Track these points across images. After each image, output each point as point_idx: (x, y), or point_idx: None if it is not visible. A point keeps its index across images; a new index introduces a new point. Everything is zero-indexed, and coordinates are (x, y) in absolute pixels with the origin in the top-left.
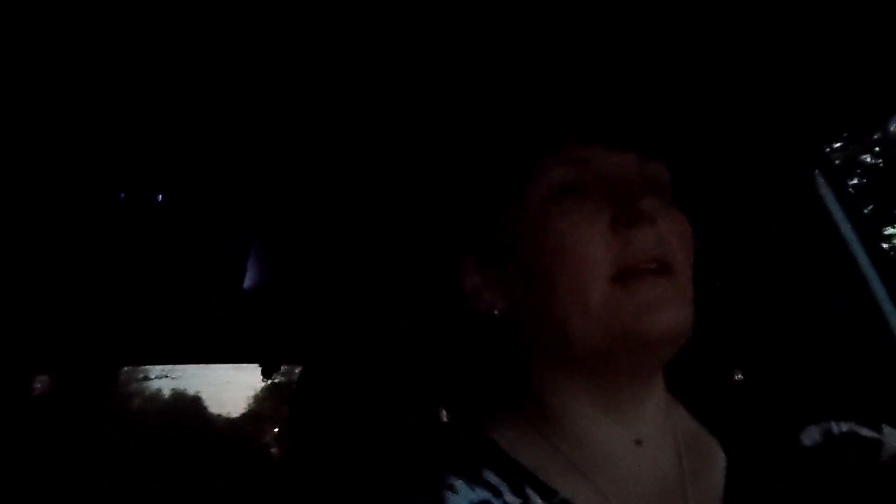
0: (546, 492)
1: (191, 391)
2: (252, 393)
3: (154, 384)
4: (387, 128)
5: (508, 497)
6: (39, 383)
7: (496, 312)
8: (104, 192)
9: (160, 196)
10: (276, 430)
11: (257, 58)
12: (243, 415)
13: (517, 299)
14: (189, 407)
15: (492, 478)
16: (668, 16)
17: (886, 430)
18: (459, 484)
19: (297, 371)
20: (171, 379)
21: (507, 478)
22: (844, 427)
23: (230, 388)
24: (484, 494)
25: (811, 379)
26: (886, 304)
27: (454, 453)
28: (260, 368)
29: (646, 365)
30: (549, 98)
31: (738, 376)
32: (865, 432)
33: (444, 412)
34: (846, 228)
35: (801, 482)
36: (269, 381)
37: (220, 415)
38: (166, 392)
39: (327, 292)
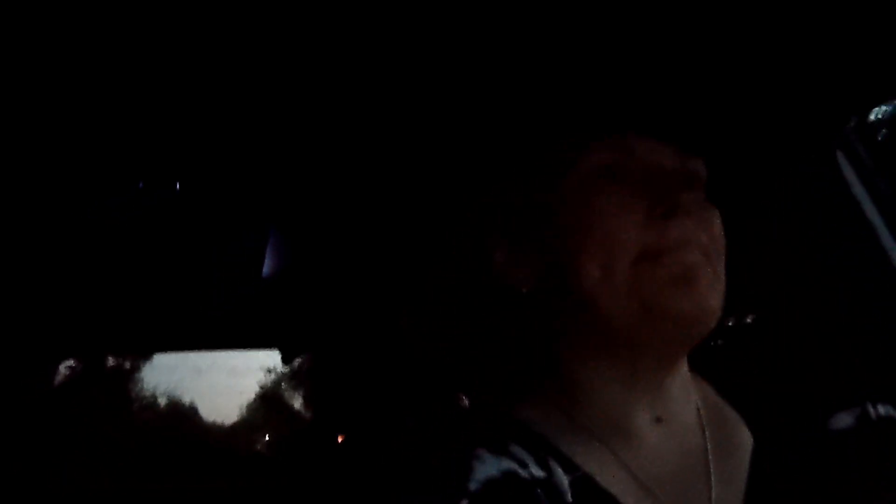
0: (570, 466)
1: (186, 399)
2: (245, 401)
3: (151, 391)
4: (418, 108)
5: (534, 469)
6: (41, 379)
7: (524, 289)
8: (109, 186)
9: (177, 184)
10: (267, 437)
11: (262, 54)
12: (235, 423)
13: (546, 276)
14: (185, 413)
15: (517, 451)
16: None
17: None
18: (486, 454)
19: (283, 382)
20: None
21: (533, 451)
22: (882, 410)
23: (224, 396)
24: (510, 465)
25: (840, 365)
26: None
27: (480, 430)
28: (280, 357)
29: (672, 345)
30: (598, 84)
31: (749, 319)
32: None
33: (463, 399)
34: (870, 208)
35: (830, 466)
36: (260, 391)
37: (214, 422)
38: (162, 401)
39: (346, 279)
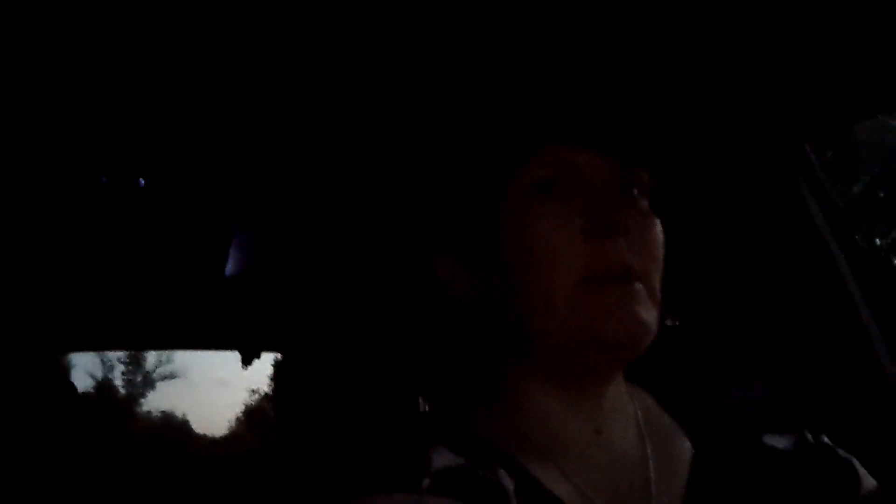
0: (515, 473)
1: (178, 412)
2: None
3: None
4: (369, 125)
5: (483, 471)
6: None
7: (466, 302)
8: (109, 185)
9: (142, 181)
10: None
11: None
12: (224, 436)
13: (486, 292)
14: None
15: (470, 454)
16: (652, 21)
17: (856, 463)
18: (442, 448)
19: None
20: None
21: (482, 457)
22: (820, 439)
23: (214, 409)
24: (465, 462)
25: (784, 381)
26: (864, 313)
27: (435, 433)
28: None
29: (605, 365)
30: (533, 99)
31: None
32: (841, 452)
33: (422, 402)
34: (828, 235)
35: (766, 481)
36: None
37: (203, 434)
38: (156, 414)
39: (310, 282)
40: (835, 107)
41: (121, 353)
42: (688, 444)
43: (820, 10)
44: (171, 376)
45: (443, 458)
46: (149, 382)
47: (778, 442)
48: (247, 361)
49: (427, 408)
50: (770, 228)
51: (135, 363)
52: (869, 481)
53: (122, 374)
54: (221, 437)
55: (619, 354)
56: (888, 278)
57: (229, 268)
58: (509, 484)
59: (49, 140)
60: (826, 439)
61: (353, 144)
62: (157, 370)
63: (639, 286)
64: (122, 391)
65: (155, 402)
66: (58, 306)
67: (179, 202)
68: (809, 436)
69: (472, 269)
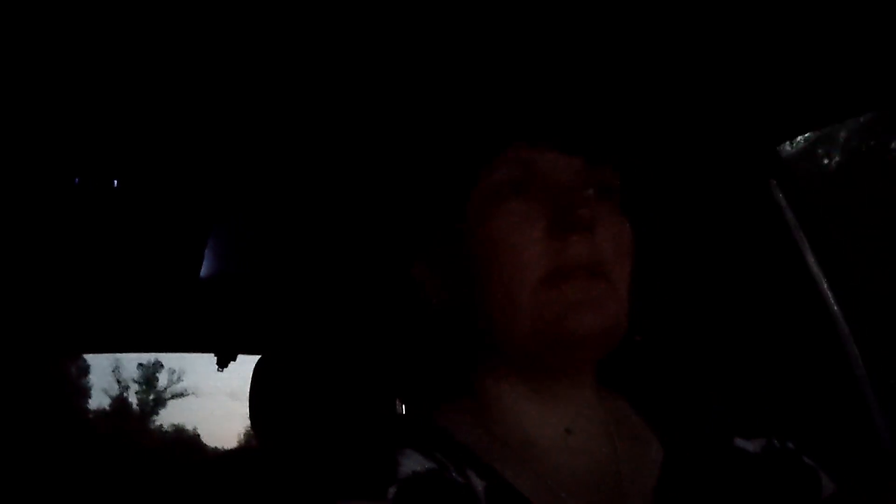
0: (485, 473)
1: (189, 426)
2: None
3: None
4: (336, 129)
5: (454, 474)
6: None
7: (437, 304)
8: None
9: (115, 182)
10: None
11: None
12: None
13: (456, 293)
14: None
15: (439, 456)
16: (621, 20)
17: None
18: (411, 452)
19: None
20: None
21: (452, 459)
22: (787, 444)
23: (224, 421)
24: (434, 465)
25: (753, 384)
26: (839, 318)
27: (406, 434)
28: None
29: (573, 363)
30: (497, 99)
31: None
32: (807, 460)
33: (400, 403)
34: (800, 237)
35: (735, 482)
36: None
37: (215, 447)
38: (168, 429)
39: (286, 284)
40: (807, 108)
41: (135, 374)
42: (658, 447)
43: (790, 14)
44: (181, 394)
45: (411, 463)
46: (160, 402)
47: (747, 445)
48: (222, 364)
49: (404, 410)
50: (742, 229)
51: (148, 383)
52: (830, 488)
53: (136, 393)
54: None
55: (585, 351)
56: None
57: (204, 270)
58: (479, 485)
59: (21, 139)
60: (791, 445)
61: (325, 147)
62: (168, 389)
63: (602, 282)
64: (136, 409)
65: (167, 416)
66: (28, 310)
67: (154, 203)
68: (776, 441)
69: (443, 273)
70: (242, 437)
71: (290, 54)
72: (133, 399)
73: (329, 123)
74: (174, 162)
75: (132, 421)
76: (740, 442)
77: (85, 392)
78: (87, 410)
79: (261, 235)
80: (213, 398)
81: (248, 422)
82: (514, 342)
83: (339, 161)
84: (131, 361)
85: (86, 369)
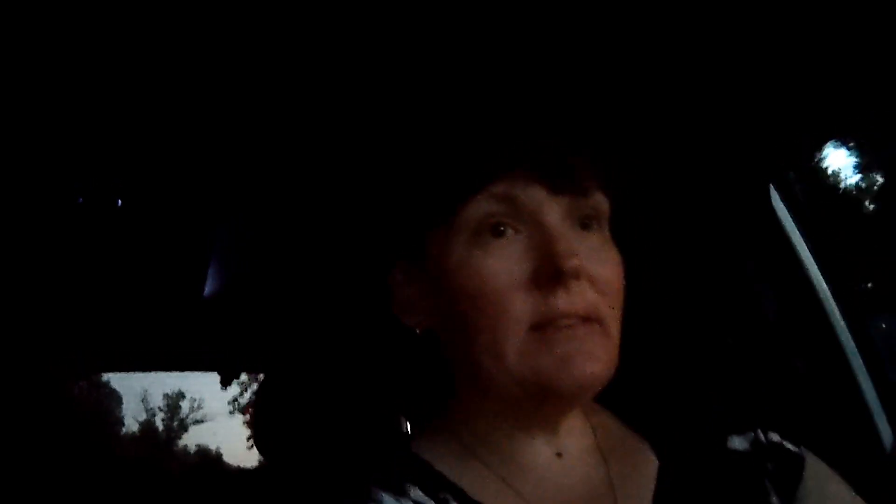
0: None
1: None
2: None
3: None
4: (323, 145)
5: None
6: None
7: (418, 330)
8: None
9: (119, 201)
10: None
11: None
12: (255, 467)
13: (440, 327)
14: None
15: (417, 494)
16: (608, 36)
17: (806, 450)
18: (386, 497)
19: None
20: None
21: (432, 493)
22: (773, 437)
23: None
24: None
25: (744, 387)
26: (837, 321)
27: (379, 468)
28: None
29: (556, 411)
30: (484, 130)
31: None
32: (791, 446)
33: (405, 422)
34: (799, 241)
35: (730, 485)
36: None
37: (237, 466)
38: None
39: (285, 299)
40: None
41: (161, 402)
42: (652, 457)
43: (791, 20)
44: (201, 420)
45: None
46: (184, 427)
47: (739, 444)
48: (226, 382)
49: (409, 429)
50: (740, 234)
51: (172, 411)
52: (818, 467)
53: (162, 420)
54: (253, 468)
55: (570, 402)
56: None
57: (207, 289)
58: None
59: (25, 158)
60: (776, 437)
61: (316, 156)
62: (190, 415)
63: (593, 327)
64: (163, 434)
65: (191, 439)
66: (32, 326)
67: (156, 221)
68: (762, 434)
69: (425, 298)
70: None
71: (288, 73)
72: (160, 425)
73: (320, 132)
74: (174, 179)
75: (159, 444)
76: (733, 442)
77: (119, 420)
78: (120, 435)
79: (259, 250)
80: (234, 421)
81: None
82: (497, 389)
83: (331, 171)
84: (157, 391)
85: (119, 399)
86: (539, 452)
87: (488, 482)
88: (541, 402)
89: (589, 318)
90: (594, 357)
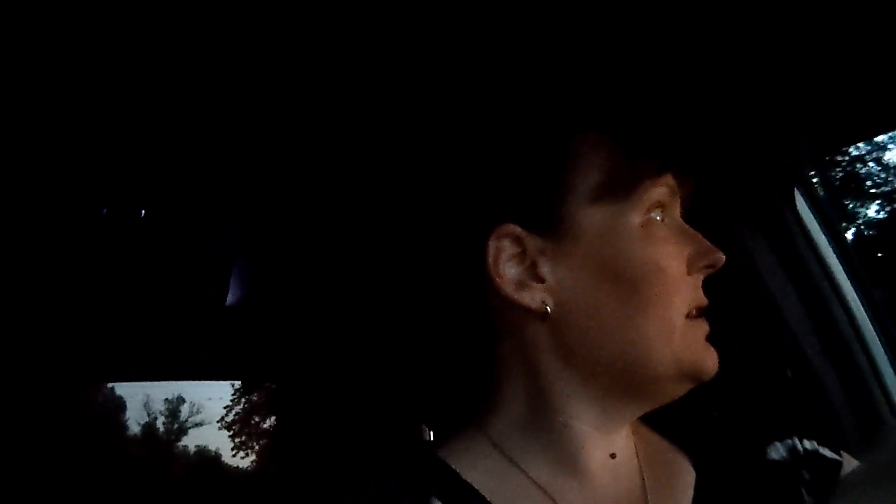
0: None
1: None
2: None
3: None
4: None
5: None
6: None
7: (549, 308)
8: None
9: (143, 211)
10: None
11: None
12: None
13: (568, 304)
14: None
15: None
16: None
17: (845, 455)
18: None
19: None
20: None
21: None
22: (808, 445)
23: None
24: None
25: (780, 396)
26: (866, 325)
27: (403, 479)
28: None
29: (674, 396)
30: (658, 129)
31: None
32: (828, 453)
33: (427, 430)
34: (825, 247)
35: (767, 496)
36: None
37: (236, 466)
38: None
39: (308, 306)
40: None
41: (162, 407)
42: (689, 468)
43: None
44: (200, 424)
45: None
46: (183, 430)
47: (775, 453)
48: (248, 391)
49: (431, 436)
50: (765, 240)
51: (172, 415)
52: (856, 472)
53: (163, 423)
54: (251, 468)
55: (697, 384)
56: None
57: (230, 298)
58: None
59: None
60: (810, 445)
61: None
62: (190, 419)
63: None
64: (163, 436)
65: (190, 440)
66: (52, 336)
67: (181, 231)
68: (798, 442)
69: (553, 272)
70: (260, 450)
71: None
72: (161, 427)
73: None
74: (200, 192)
75: (160, 445)
76: (770, 452)
77: (124, 426)
78: (124, 438)
79: (283, 255)
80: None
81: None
82: (653, 369)
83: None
84: (158, 397)
85: (123, 405)
86: (600, 453)
87: (522, 490)
88: (679, 387)
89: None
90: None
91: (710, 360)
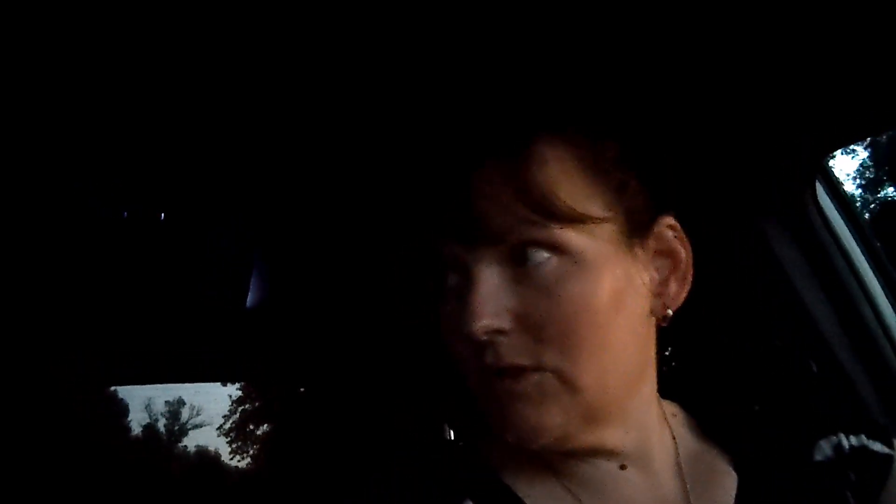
0: None
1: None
2: None
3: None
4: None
5: None
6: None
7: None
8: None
9: (163, 215)
10: None
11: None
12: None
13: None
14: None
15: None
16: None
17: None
18: None
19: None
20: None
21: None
22: (854, 441)
23: None
24: None
25: (819, 393)
26: (891, 316)
27: (440, 478)
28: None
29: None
30: None
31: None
32: (877, 447)
33: (448, 429)
34: (847, 238)
35: (813, 498)
36: None
37: (237, 467)
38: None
39: (327, 310)
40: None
41: (163, 409)
42: (732, 472)
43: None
44: (200, 425)
45: None
46: (183, 431)
47: (820, 454)
48: (264, 394)
49: (452, 435)
50: (788, 233)
51: (173, 416)
52: None
53: (164, 425)
54: (249, 468)
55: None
56: None
57: (250, 300)
58: None
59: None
60: (857, 440)
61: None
62: (190, 420)
63: (534, 379)
64: (164, 437)
65: (190, 441)
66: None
67: (200, 234)
68: (844, 439)
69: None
70: (255, 454)
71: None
72: (162, 429)
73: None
74: (204, 195)
75: (161, 446)
76: (817, 454)
77: (127, 429)
78: (127, 440)
79: (304, 255)
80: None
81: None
82: None
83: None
84: (159, 398)
85: (125, 409)
86: (602, 465)
87: (552, 492)
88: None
89: (527, 370)
90: (527, 410)
91: (509, 423)
